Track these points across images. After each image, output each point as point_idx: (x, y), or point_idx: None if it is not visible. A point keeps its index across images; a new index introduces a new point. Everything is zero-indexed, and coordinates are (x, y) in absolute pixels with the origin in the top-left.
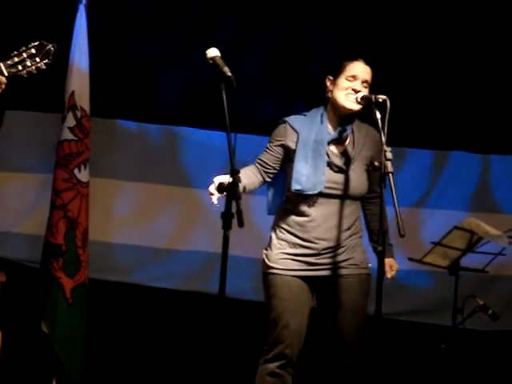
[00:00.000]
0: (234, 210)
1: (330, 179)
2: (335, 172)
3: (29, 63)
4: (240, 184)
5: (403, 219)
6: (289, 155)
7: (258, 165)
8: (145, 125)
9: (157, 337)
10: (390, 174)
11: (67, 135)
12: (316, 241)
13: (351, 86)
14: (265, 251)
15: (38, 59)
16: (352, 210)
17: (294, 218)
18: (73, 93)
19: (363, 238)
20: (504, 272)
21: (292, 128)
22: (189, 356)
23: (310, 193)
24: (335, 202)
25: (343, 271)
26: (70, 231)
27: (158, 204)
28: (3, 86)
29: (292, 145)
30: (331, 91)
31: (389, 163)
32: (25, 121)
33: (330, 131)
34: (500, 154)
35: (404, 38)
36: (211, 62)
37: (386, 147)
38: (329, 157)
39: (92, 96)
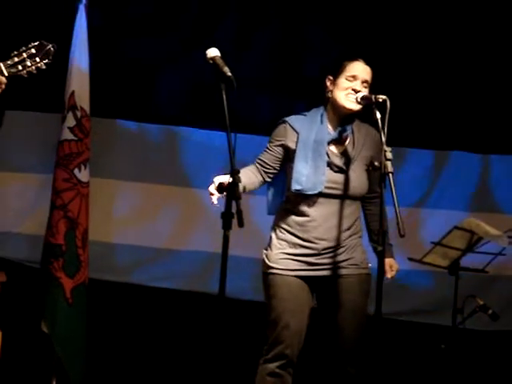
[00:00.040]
0: (234, 209)
1: (330, 179)
2: (335, 172)
3: (29, 63)
4: (240, 184)
5: (403, 219)
6: (289, 155)
7: (257, 165)
8: (145, 125)
9: (157, 337)
10: (390, 174)
11: (67, 135)
12: (316, 241)
13: (351, 86)
14: (265, 251)
15: (37, 59)
16: (352, 210)
17: (294, 217)
18: (73, 93)
19: (363, 237)
20: (504, 272)
21: (292, 128)
22: (189, 356)
23: (310, 193)
24: (335, 202)
25: (343, 271)
26: (70, 231)
27: (158, 204)
28: (3, 86)
29: (292, 145)
30: (331, 91)
31: (389, 163)
32: (25, 121)
33: (330, 131)
34: (500, 154)
35: (404, 38)
36: (211, 61)
37: (386, 147)
38: (329, 157)
39: (92, 96)
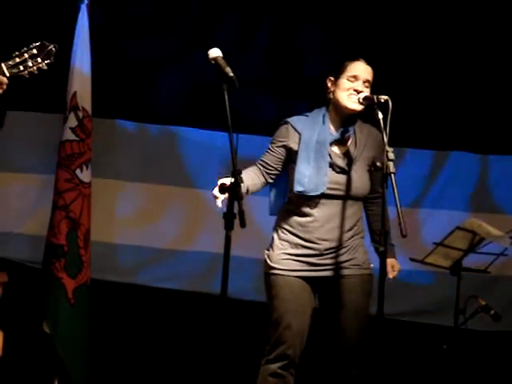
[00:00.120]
0: (236, 210)
1: (332, 180)
2: (337, 173)
3: (30, 63)
4: (243, 186)
5: (405, 219)
6: (291, 156)
7: (260, 166)
8: (146, 125)
9: (158, 337)
10: (392, 175)
11: (69, 136)
12: (318, 241)
13: (353, 86)
14: (267, 252)
15: (39, 59)
16: (354, 210)
17: (296, 218)
18: (75, 93)
19: (365, 238)
20: (506, 272)
21: (294, 129)
22: (191, 356)
23: (312, 194)
24: (337, 203)
25: (345, 272)
26: (71, 231)
27: (160, 204)
28: (4, 87)
29: (294, 146)
30: (333, 92)
31: (391, 163)
32: (26, 121)
33: (332, 132)
34: (499, 155)
35: (404, 39)
36: (213, 62)
37: (388, 147)
38: (331, 158)
39: (93, 96)
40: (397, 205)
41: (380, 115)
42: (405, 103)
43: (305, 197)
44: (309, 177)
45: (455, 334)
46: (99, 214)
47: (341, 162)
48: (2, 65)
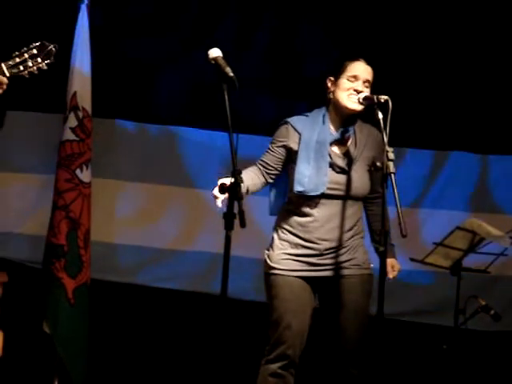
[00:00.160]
0: (236, 210)
1: (332, 180)
2: (337, 173)
3: (30, 63)
4: (243, 186)
5: (405, 219)
6: (291, 156)
7: (260, 166)
8: (146, 125)
9: (159, 337)
10: (392, 175)
11: (69, 136)
12: (318, 241)
13: (353, 86)
14: (267, 252)
15: (39, 59)
16: (354, 210)
17: (296, 218)
18: (75, 93)
19: (365, 238)
20: (506, 272)
21: (294, 129)
22: (191, 356)
23: (312, 194)
24: (337, 203)
25: (345, 272)
26: (71, 232)
27: (160, 204)
28: (4, 87)
29: (294, 146)
30: (333, 92)
31: (391, 163)
32: (26, 121)
33: (332, 132)
34: (499, 155)
35: (404, 39)
36: (213, 62)
37: (388, 147)
38: (331, 158)
39: (93, 96)
40: (397, 205)
41: (380, 115)
42: (404, 103)
43: (305, 197)
44: (309, 177)
45: (455, 334)
46: (99, 214)
47: (341, 162)
48: (2, 65)
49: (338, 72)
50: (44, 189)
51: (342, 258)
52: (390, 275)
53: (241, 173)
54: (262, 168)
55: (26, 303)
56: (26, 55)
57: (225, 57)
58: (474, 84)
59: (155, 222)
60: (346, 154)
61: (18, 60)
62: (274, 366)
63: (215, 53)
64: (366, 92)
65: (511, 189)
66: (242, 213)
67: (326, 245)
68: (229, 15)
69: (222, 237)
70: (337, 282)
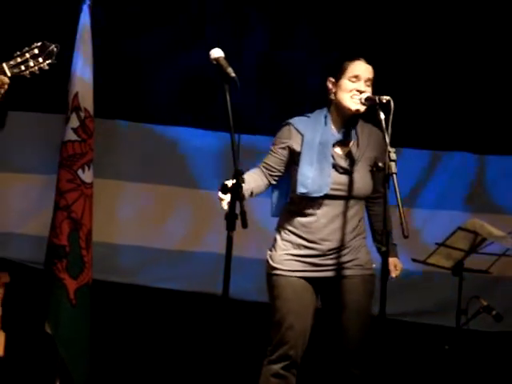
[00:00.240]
0: (238, 211)
1: (335, 181)
2: (340, 173)
3: (32, 63)
4: (247, 188)
5: (407, 220)
6: (293, 157)
7: (263, 168)
8: (147, 125)
9: (160, 338)
10: (394, 175)
11: (71, 136)
12: (321, 242)
13: (355, 87)
14: (269, 252)
15: (40, 59)
16: (356, 210)
17: (298, 219)
18: (76, 94)
19: (367, 238)
20: (508, 273)
21: (296, 130)
22: (193, 357)
23: (315, 195)
24: (340, 204)
25: (347, 272)
26: (73, 232)
27: (161, 205)
28: (6, 87)
29: (297, 147)
30: (334, 93)
31: (393, 164)
32: (28, 122)
33: (335, 133)
34: (497, 155)
35: (402, 39)
36: (215, 62)
37: (390, 148)
38: (334, 159)
39: (95, 97)
40: (398, 205)
41: (382, 115)
42: (402, 103)
43: (307, 198)
44: (312, 178)
45: (457, 335)
46: (101, 214)
47: (343, 163)
48: (4, 65)
49: (338, 73)
50: (46, 189)
51: (345, 259)
52: (393, 274)
53: (243, 173)
54: (264, 170)
55: (28, 304)
56: (28, 55)
57: (226, 57)
58: (472, 84)
59: (157, 223)
60: (349, 155)
61: (19, 60)
62: (276, 367)
63: (217, 53)
64: (369, 91)
65: (510, 189)
66: (243, 213)
67: (329, 245)
68: (229, 15)
69: (225, 237)
70: (339, 283)
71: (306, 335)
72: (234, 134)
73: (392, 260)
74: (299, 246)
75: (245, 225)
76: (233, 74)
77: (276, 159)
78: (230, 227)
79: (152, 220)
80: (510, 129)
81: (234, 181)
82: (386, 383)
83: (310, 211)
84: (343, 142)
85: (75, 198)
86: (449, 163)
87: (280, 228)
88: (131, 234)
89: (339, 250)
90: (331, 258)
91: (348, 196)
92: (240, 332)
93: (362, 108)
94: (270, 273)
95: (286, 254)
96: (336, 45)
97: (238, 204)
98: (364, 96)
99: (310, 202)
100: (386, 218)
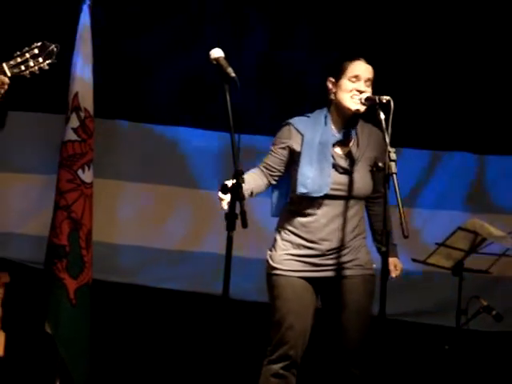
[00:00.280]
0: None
1: (335, 181)
2: (340, 173)
3: (32, 63)
4: (247, 188)
5: (407, 220)
6: (293, 157)
7: (263, 168)
8: (147, 125)
9: (161, 338)
10: (394, 175)
11: (71, 136)
12: (321, 242)
13: (355, 87)
14: (269, 252)
15: (40, 59)
16: (356, 210)
17: (298, 219)
18: (76, 94)
19: (367, 238)
20: (508, 273)
21: (296, 130)
22: (193, 357)
23: (315, 195)
24: (340, 203)
25: (347, 272)
26: (73, 232)
27: (161, 205)
28: (6, 87)
29: (297, 147)
30: (334, 93)
31: (393, 164)
32: (28, 122)
33: (335, 133)
34: (497, 155)
35: (401, 39)
36: (215, 62)
37: (390, 148)
38: (334, 159)
39: (95, 97)
40: (398, 205)
41: (382, 115)
42: (402, 103)
43: (308, 198)
44: (312, 178)
45: (457, 335)
46: (101, 214)
47: (343, 163)
48: (4, 64)
49: (338, 73)
50: (46, 189)
51: (345, 259)
52: (393, 274)
53: (243, 173)
54: (265, 170)
55: (28, 304)
56: (28, 55)
57: (226, 57)
58: (472, 84)
59: (157, 223)
60: (349, 155)
61: (19, 60)
62: (276, 367)
63: (217, 53)
64: (368, 91)
65: (510, 189)
66: (243, 213)
67: (329, 245)
68: (230, 15)
69: (226, 237)
70: (339, 283)
71: (305, 335)
72: (234, 134)
73: (392, 260)
74: (299, 245)
75: (245, 225)
76: (233, 74)
77: (276, 159)
78: (230, 227)
79: (152, 220)
80: (510, 129)
81: (234, 181)
82: (385, 383)
83: (309, 211)
84: (343, 142)
85: (75, 197)
86: (449, 163)
87: (280, 228)
88: (131, 233)
89: (339, 249)
90: (331, 258)
91: (348, 196)
92: (240, 332)
93: (362, 108)
94: (269, 273)
95: (286, 254)
96: (336, 45)
97: (238, 204)
98: (364, 96)
99: (310, 202)
100: (385, 218)
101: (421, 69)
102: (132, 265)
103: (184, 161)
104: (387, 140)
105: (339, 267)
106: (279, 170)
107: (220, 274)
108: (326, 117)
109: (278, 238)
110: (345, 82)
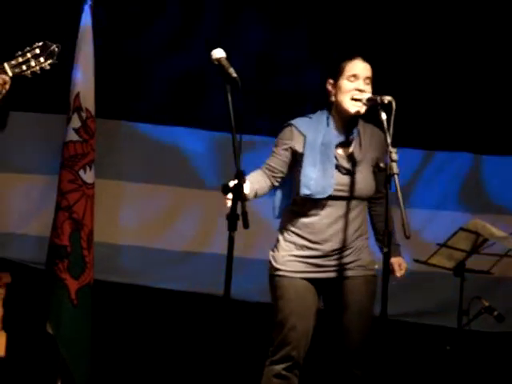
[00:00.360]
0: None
1: (338, 182)
2: (343, 174)
3: (33, 63)
4: (251, 189)
5: (408, 220)
6: (296, 158)
7: (266, 170)
8: (149, 125)
9: (162, 338)
10: (396, 176)
11: (72, 136)
12: (324, 242)
13: (354, 86)
14: (271, 253)
15: (42, 59)
16: (359, 211)
17: (301, 220)
18: (78, 94)
19: (369, 238)
20: (509, 273)
21: (298, 131)
22: (194, 358)
23: (319, 197)
24: (342, 204)
25: (349, 273)
26: (75, 232)
27: (162, 205)
28: (7, 87)
29: (299, 148)
30: (334, 95)
31: (394, 164)
32: (29, 122)
33: (337, 134)
34: (496, 155)
35: (401, 39)
36: (216, 63)
37: (391, 148)
38: (337, 160)
39: (96, 97)
40: (400, 206)
41: (383, 116)
42: (400, 103)
43: (311, 199)
44: (315, 179)
45: (458, 335)
46: (102, 214)
47: (346, 164)
48: (5, 64)
49: (336, 74)
50: (47, 189)
51: (347, 259)
52: (398, 274)
53: (244, 173)
54: (267, 172)
55: (29, 304)
56: (29, 55)
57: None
58: (472, 84)
59: (159, 223)
60: (351, 156)
61: (20, 60)
62: (279, 367)
63: (218, 53)
64: (368, 90)
65: (510, 189)
66: (245, 214)
67: (332, 246)
68: (230, 15)
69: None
70: (341, 283)
71: (308, 336)
72: (235, 135)
73: (396, 260)
74: (302, 246)
75: (246, 225)
76: (234, 75)
77: (278, 160)
78: (232, 228)
79: (153, 220)
80: (509, 129)
81: (236, 181)
82: None
83: (313, 212)
84: (345, 143)
85: (77, 198)
86: (448, 163)
87: (283, 229)
88: (133, 234)
89: (342, 250)
90: (334, 259)
91: (351, 197)
92: (242, 333)
93: (363, 109)
94: (272, 274)
95: (289, 255)
96: (336, 45)
97: (238, 204)
98: (365, 96)
99: (313, 203)
100: (387, 219)
101: (419, 69)
102: (133, 265)
103: (185, 161)
104: (389, 140)
105: (341, 268)
106: (282, 172)
107: (221, 275)
108: (328, 118)
109: (280, 238)
110: (344, 83)
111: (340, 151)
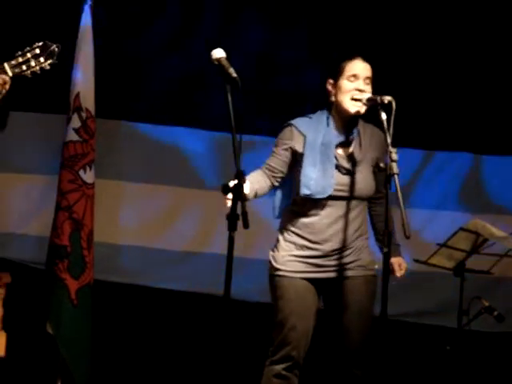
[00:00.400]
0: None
1: (338, 182)
2: (343, 174)
3: (33, 63)
4: (252, 189)
5: (408, 220)
6: (296, 158)
7: (266, 170)
8: (150, 126)
9: (162, 338)
10: (396, 176)
11: (72, 136)
12: (324, 243)
13: (354, 86)
14: (271, 253)
15: (42, 59)
16: (359, 211)
17: (301, 220)
18: (78, 94)
19: (369, 238)
20: (509, 273)
21: (298, 131)
22: (194, 358)
23: (319, 197)
24: (342, 204)
25: (349, 273)
26: (75, 232)
27: (162, 205)
28: (7, 87)
29: (299, 148)
30: (334, 95)
31: (394, 164)
32: (29, 122)
33: (337, 134)
34: (496, 155)
35: (401, 39)
36: (216, 63)
37: (391, 148)
38: (337, 160)
39: (96, 97)
40: (400, 206)
41: (384, 116)
42: (400, 103)
43: (311, 199)
44: (315, 179)
45: (458, 335)
46: (102, 214)
47: (346, 164)
48: (5, 64)
49: (336, 74)
50: (47, 189)
51: (347, 259)
52: (398, 274)
53: (244, 174)
54: (268, 172)
55: (29, 304)
56: (29, 55)
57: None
58: (472, 84)
59: (159, 223)
60: (351, 156)
61: (20, 60)
62: (279, 367)
63: (219, 53)
64: (368, 90)
65: (510, 189)
66: (245, 214)
67: (332, 246)
68: (230, 16)
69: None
70: (341, 283)
71: (308, 336)
72: (235, 135)
73: (396, 260)
74: (302, 246)
75: (246, 225)
76: (234, 75)
77: (278, 160)
78: (232, 228)
79: (153, 220)
80: (509, 128)
81: (236, 181)
82: None
83: (313, 212)
84: (345, 143)
85: (77, 198)
86: (448, 163)
87: (283, 229)
88: (133, 234)
89: (342, 250)
90: (334, 259)
91: (351, 197)
92: (242, 333)
93: (363, 109)
94: (272, 274)
95: (290, 255)
96: (336, 45)
97: (238, 204)
98: (365, 96)
99: (313, 203)
100: (387, 219)
101: (418, 69)
102: (133, 265)
103: (185, 161)
104: (389, 140)
105: (341, 268)
106: (282, 172)
107: (221, 275)
108: (328, 118)
109: (280, 238)
110: (344, 83)
111: (340, 151)
